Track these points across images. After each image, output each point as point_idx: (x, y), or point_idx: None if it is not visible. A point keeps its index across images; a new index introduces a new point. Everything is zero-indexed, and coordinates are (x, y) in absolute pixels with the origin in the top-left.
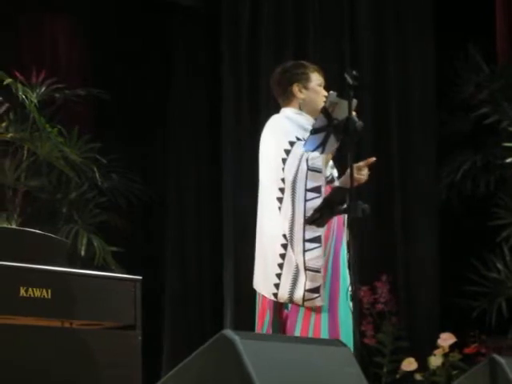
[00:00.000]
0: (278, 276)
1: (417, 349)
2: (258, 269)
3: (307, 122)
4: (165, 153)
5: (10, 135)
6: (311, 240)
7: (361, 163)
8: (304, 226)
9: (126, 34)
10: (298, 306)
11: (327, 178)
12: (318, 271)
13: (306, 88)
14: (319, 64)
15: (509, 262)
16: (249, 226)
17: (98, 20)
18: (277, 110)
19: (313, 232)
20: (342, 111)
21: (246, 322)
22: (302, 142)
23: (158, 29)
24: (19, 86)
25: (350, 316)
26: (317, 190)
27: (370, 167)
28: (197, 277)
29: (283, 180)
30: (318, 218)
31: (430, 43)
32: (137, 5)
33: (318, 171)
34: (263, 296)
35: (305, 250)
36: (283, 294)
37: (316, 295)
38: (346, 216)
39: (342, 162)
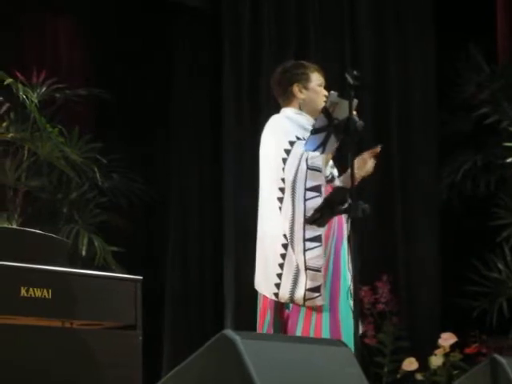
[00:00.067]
0: (279, 276)
1: (417, 349)
2: (259, 269)
3: (307, 121)
4: (166, 153)
5: (10, 135)
6: (311, 239)
7: (365, 154)
8: (304, 226)
9: (128, 34)
10: (299, 305)
11: (327, 177)
12: (318, 270)
13: (306, 88)
14: (320, 64)
15: (509, 261)
16: (250, 226)
17: (99, 20)
18: (277, 110)
19: (313, 231)
20: (342, 111)
21: (246, 322)
22: (303, 142)
23: (160, 29)
24: (20, 86)
25: (351, 315)
26: (317, 189)
27: (376, 157)
28: (197, 277)
29: (283, 180)
30: (318, 217)
31: (431, 43)
32: (138, 5)
33: (318, 170)
34: (264, 296)
35: (305, 250)
36: (284, 294)
37: (317, 294)
38: (346, 216)
39: (342, 162)
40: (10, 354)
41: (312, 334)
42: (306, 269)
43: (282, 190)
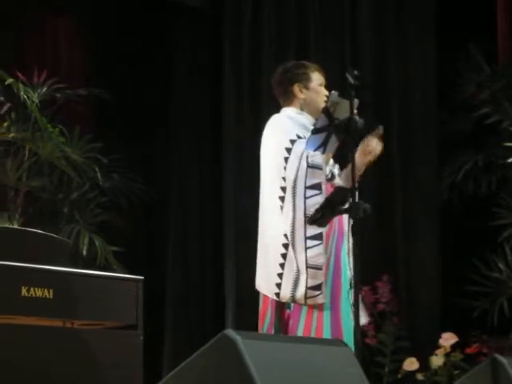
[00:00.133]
0: (280, 276)
1: (418, 349)
2: (260, 269)
3: (308, 121)
4: (166, 153)
5: (11, 135)
6: (312, 237)
7: (368, 137)
8: (305, 224)
9: (128, 34)
10: (301, 305)
11: (327, 175)
12: (319, 268)
13: (306, 88)
14: (320, 64)
15: (510, 261)
16: (250, 226)
17: (99, 20)
18: (278, 110)
19: (314, 229)
20: (343, 111)
21: (247, 322)
22: (303, 140)
23: (160, 29)
24: (21, 86)
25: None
26: (317, 186)
27: (382, 138)
28: (198, 277)
29: (285, 179)
30: (319, 217)
31: (431, 43)
32: (138, 5)
33: (318, 168)
34: (265, 296)
35: (306, 248)
36: (285, 294)
37: (318, 292)
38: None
39: (342, 162)
40: (10, 354)
41: (313, 333)
42: (307, 267)
43: (283, 189)
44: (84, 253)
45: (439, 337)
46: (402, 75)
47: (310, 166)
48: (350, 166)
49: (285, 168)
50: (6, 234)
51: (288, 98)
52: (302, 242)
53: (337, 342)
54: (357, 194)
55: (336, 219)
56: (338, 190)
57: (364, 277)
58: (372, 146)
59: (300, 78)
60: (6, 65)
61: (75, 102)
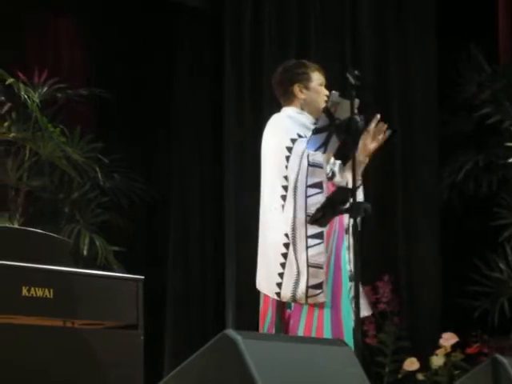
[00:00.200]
0: (281, 275)
1: (419, 349)
2: (261, 268)
3: (309, 120)
4: (167, 153)
5: (12, 135)
6: (313, 236)
7: (369, 127)
8: (306, 223)
9: (129, 34)
10: (301, 305)
11: (327, 174)
12: (320, 267)
13: (306, 88)
14: (321, 64)
15: (511, 261)
16: (250, 226)
17: (100, 20)
18: (279, 110)
19: (315, 228)
20: (344, 111)
21: (248, 321)
22: (304, 139)
23: (160, 29)
24: (21, 85)
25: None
26: (318, 185)
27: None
28: (199, 276)
29: (286, 178)
30: (320, 217)
31: (432, 43)
32: (138, 5)
33: (319, 166)
34: (266, 295)
35: (307, 247)
36: (286, 294)
37: (319, 291)
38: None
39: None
40: (11, 354)
41: (314, 332)
42: (308, 266)
43: (285, 187)
44: (84, 253)
45: (440, 337)
46: (403, 75)
47: (311, 165)
48: (359, 146)
49: (286, 167)
50: (7, 234)
51: (288, 98)
52: (302, 241)
53: (337, 341)
54: (361, 192)
55: (336, 218)
56: (339, 190)
57: (365, 277)
58: (376, 131)
59: (300, 78)
60: (6, 64)
61: (76, 101)
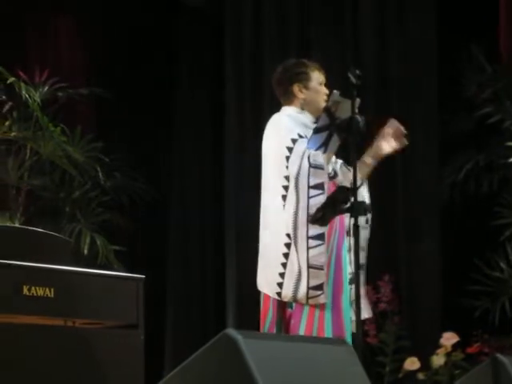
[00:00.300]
0: (282, 275)
1: (419, 348)
2: (261, 268)
3: (309, 120)
4: (167, 153)
5: (13, 134)
6: (315, 237)
7: (386, 131)
8: (307, 223)
9: (129, 34)
10: (302, 304)
11: (329, 173)
12: (321, 268)
13: (306, 88)
14: (321, 63)
15: None
16: (251, 226)
17: (100, 20)
18: (279, 110)
19: (316, 229)
20: (344, 110)
21: (248, 321)
22: (305, 140)
23: (161, 29)
24: (22, 85)
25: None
26: (320, 186)
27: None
28: (199, 276)
29: (287, 178)
30: (320, 217)
31: (433, 43)
32: (139, 5)
33: (320, 168)
34: (266, 295)
35: (308, 247)
36: (287, 293)
37: (319, 292)
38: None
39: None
40: (11, 353)
41: (315, 332)
42: (309, 267)
43: (285, 187)
44: (85, 252)
45: (440, 336)
46: (403, 75)
47: (313, 167)
48: (371, 148)
49: (287, 167)
50: (8, 233)
51: (288, 98)
52: (304, 242)
53: (338, 341)
54: (367, 191)
55: (337, 218)
56: (340, 189)
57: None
58: (391, 131)
59: (300, 77)
60: (7, 64)
61: (77, 101)
